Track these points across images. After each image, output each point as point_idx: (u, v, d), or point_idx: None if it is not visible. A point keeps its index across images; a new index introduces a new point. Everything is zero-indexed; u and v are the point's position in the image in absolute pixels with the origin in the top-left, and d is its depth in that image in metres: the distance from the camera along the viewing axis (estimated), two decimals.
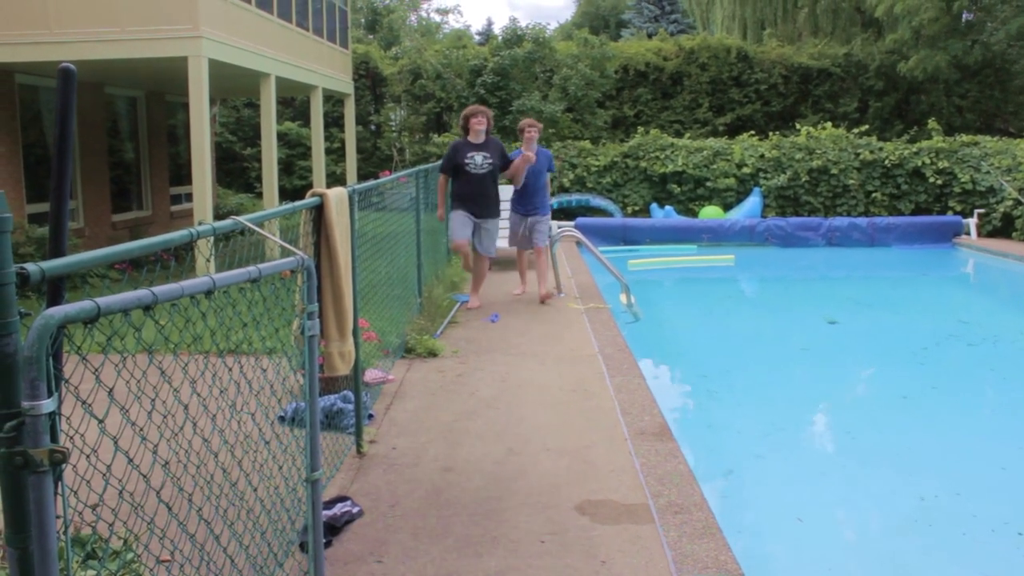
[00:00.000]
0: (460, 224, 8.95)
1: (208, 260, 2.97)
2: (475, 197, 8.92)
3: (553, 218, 16.68)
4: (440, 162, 9.31)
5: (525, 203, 9.46)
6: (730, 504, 4.74)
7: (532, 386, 6.22)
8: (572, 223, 15.00)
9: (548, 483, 4.42)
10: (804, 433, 6.56)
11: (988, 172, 16.51)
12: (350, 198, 4.60)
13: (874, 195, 17.37)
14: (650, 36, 30.48)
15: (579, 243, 12.11)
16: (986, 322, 10.32)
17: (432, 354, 7.08)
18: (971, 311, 11.27)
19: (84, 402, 1.85)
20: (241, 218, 2.84)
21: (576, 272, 11.75)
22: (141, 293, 1.93)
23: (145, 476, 2.12)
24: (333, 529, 3.79)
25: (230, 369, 2.68)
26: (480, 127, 8.95)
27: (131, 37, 10.44)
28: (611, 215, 17.39)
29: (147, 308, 1.96)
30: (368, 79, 23.33)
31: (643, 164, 17.98)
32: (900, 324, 10.34)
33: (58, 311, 1.64)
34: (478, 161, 8.86)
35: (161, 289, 2.01)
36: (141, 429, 2.07)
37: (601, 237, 15.51)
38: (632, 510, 4.06)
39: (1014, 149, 16.49)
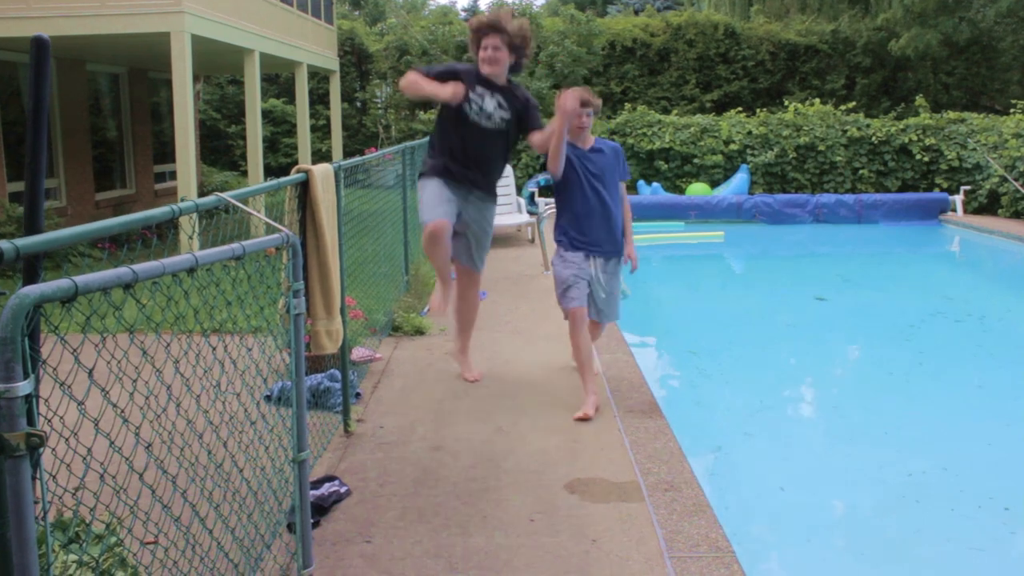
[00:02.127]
0: (437, 197, 5.30)
1: (191, 237, 2.91)
2: (469, 162, 5.32)
3: (540, 195, 16.64)
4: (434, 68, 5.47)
5: (586, 230, 5.20)
6: (720, 481, 4.73)
7: (520, 364, 6.19)
8: None
9: (537, 461, 4.40)
10: (792, 410, 6.56)
11: (974, 149, 16.52)
12: (336, 175, 4.53)
13: (861, 172, 17.37)
14: (637, 12, 30.31)
15: None
16: (972, 299, 10.35)
17: (419, 332, 7.04)
18: (957, 288, 11.29)
19: (63, 384, 1.80)
20: (225, 195, 2.78)
21: None
22: (120, 271, 1.88)
23: (127, 459, 2.07)
24: (321, 509, 3.75)
25: (214, 348, 2.63)
26: (498, 57, 5.27)
27: (112, 12, 10.27)
28: None
29: (127, 286, 1.91)
30: (353, 56, 23.13)
31: (630, 141, 17.90)
32: (887, 301, 10.35)
33: (34, 290, 1.59)
34: (487, 107, 5.25)
35: (141, 267, 1.95)
36: (123, 411, 2.02)
37: None
38: (622, 488, 4.04)
39: (1000, 126, 16.51)
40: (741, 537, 3.75)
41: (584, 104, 5.09)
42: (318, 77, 21.04)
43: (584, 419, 4.92)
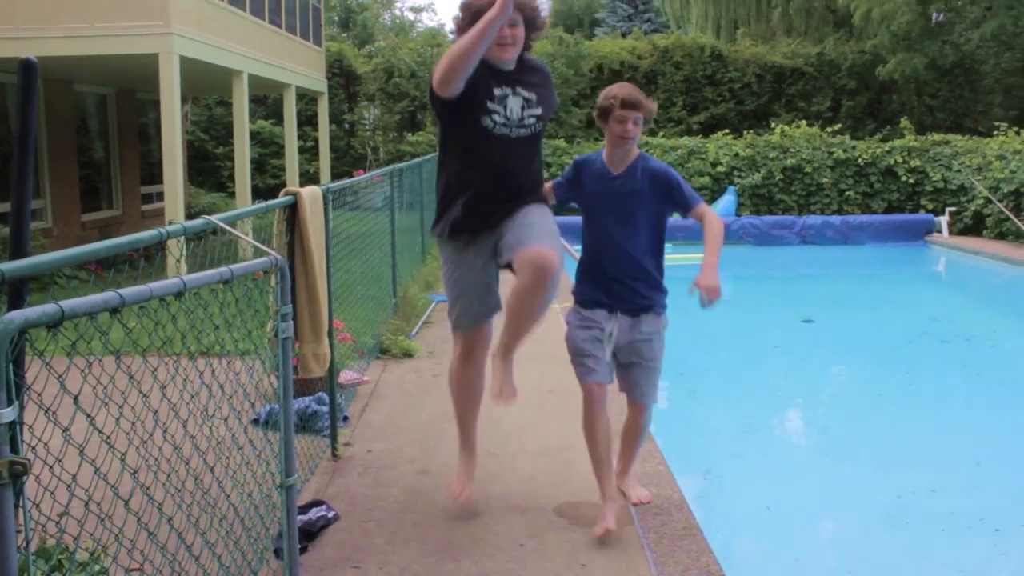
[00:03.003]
0: (471, 285, 3.94)
1: (179, 260, 2.89)
2: (500, 192, 3.80)
3: None
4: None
5: (603, 279, 3.95)
6: (710, 503, 4.72)
7: None
8: None
9: (526, 485, 4.37)
10: (781, 431, 6.55)
11: (959, 171, 16.66)
12: (324, 197, 4.52)
13: (847, 193, 17.48)
14: (624, 35, 30.53)
15: None
16: (958, 319, 10.39)
17: (407, 355, 7.01)
18: (943, 308, 11.34)
19: (47, 410, 1.77)
20: (213, 217, 2.76)
21: None
22: (108, 295, 1.86)
23: (113, 485, 2.05)
24: (309, 535, 3.71)
25: (201, 372, 2.60)
26: (516, 36, 3.70)
27: (100, 33, 10.28)
28: None
29: (114, 311, 1.89)
30: (342, 77, 23.18)
31: None
32: (874, 321, 10.38)
33: (18, 315, 1.57)
34: (513, 112, 3.75)
35: (129, 291, 1.94)
36: (108, 437, 2.00)
37: (577, 235, 15.44)
38: None
39: (984, 148, 16.66)
40: (732, 560, 3.73)
41: (633, 105, 3.65)
42: (306, 98, 21.08)
43: (606, 534, 3.67)
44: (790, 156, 17.55)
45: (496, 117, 3.71)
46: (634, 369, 3.96)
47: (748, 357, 8.58)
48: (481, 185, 3.77)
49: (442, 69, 3.51)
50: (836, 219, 16.44)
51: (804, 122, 19.09)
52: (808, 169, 17.44)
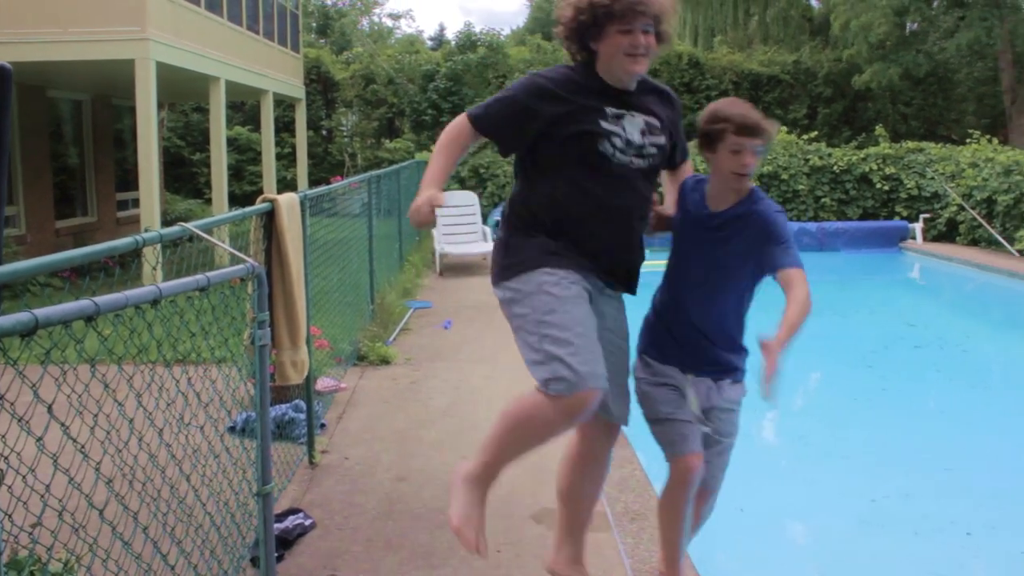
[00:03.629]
0: (575, 318, 2.74)
1: (155, 268, 2.88)
2: (608, 233, 2.97)
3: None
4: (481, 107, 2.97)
5: (680, 332, 3.12)
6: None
7: (486, 393, 6.18)
8: None
9: (503, 491, 4.37)
10: (756, 436, 6.59)
11: (933, 178, 16.84)
12: (301, 204, 4.52)
13: (823, 200, 17.61)
14: None
15: None
16: (932, 324, 10.50)
17: (385, 361, 7.00)
18: (918, 314, 11.46)
19: (21, 419, 1.77)
20: (189, 224, 2.76)
21: None
22: (82, 304, 1.86)
23: (87, 495, 2.04)
24: (285, 543, 3.71)
25: (177, 380, 2.60)
26: (650, 45, 2.85)
27: (75, 39, 10.21)
28: None
29: (89, 319, 1.89)
30: (320, 84, 23.13)
31: None
32: (849, 327, 10.47)
33: None
34: (634, 136, 2.92)
35: (104, 299, 1.93)
36: (83, 446, 1.99)
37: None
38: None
39: (957, 156, 16.85)
40: (708, 565, 3.75)
41: (753, 131, 2.86)
42: (284, 105, 21.01)
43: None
44: (766, 163, 17.67)
45: (616, 140, 2.86)
46: (710, 447, 3.09)
47: None
48: (584, 222, 2.88)
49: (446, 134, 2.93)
50: (812, 226, 16.57)
51: (783, 129, 19.23)
52: (784, 176, 17.56)
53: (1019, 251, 14.11)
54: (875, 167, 17.56)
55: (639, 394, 3.09)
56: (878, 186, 17.51)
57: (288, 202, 4.22)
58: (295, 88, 18.03)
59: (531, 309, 2.75)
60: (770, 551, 4.43)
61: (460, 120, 2.91)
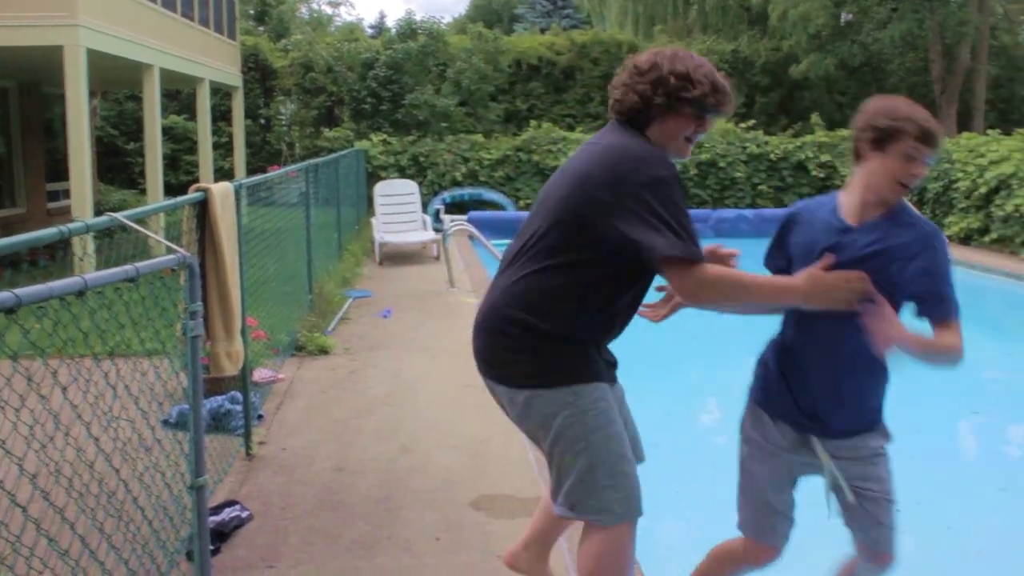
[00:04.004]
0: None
1: (81, 259, 2.83)
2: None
3: (446, 212, 16.63)
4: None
5: (801, 386, 2.66)
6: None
7: (425, 381, 6.18)
8: (465, 217, 14.97)
9: (443, 480, 4.39)
10: (698, 422, 6.68)
11: None
12: (236, 193, 4.46)
13: (760, 187, 17.90)
14: (543, 31, 30.67)
15: (472, 237, 12.08)
16: None
17: (323, 351, 6.95)
18: None
19: None
20: (119, 215, 2.71)
21: (469, 265, 11.73)
22: (2, 295, 1.82)
23: (10, 492, 2.00)
24: (221, 535, 3.67)
25: (106, 374, 2.55)
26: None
27: (1, 24, 9.91)
28: (504, 208, 17.42)
29: (9, 311, 1.85)
30: (257, 72, 22.79)
31: (535, 157, 18.07)
32: None
33: None
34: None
35: (25, 291, 1.89)
36: (4, 442, 1.95)
37: (494, 230, 15.47)
38: (528, 505, 4.06)
39: None
40: (652, 557, 3.79)
41: (933, 140, 2.45)
42: (221, 93, 20.67)
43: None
44: (705, 151, 17.88)
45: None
46: (865, 504, 2.56)
47: (668, 351, 8.72)
48: (614, 321, 2.96)
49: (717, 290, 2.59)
50: (749, 213, 16.82)
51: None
52: (722, 164, 17.80)
53: (947, 237, 14.50)
54: (811, 155, 17.89)
55: (743, 461, 2.80)
56: (814, 173, 17.84)
57: (222, 191, 4.16)
58: (232, 76, 17.76)
59: (595, 427, 2.80)
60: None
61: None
